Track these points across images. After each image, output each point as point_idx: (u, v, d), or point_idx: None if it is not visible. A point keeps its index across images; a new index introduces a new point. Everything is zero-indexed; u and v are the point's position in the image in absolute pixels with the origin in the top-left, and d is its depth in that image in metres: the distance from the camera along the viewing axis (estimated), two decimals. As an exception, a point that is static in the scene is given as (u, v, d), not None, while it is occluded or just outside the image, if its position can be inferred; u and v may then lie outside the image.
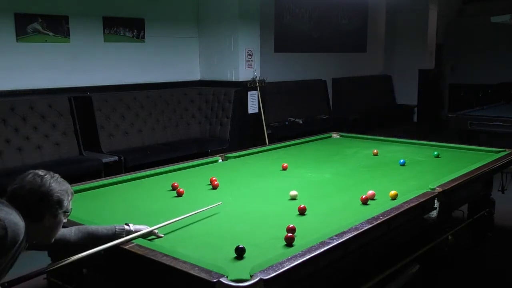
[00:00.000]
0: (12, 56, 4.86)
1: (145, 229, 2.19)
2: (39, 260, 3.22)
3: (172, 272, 1.83)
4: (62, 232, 2.07)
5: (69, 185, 1.96)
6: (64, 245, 2.10)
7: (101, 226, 2.18)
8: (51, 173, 1.93)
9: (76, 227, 2.16)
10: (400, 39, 9.94)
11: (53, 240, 1.96)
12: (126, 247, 2.04)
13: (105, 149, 5.29)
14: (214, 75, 6.55)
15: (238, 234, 2.28)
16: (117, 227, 2.14)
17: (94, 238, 2.11)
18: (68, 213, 1.95)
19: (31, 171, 1.91)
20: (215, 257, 1.95)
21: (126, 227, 2.16)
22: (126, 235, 2.12)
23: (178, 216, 2.40)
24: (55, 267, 1.97)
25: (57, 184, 1.89)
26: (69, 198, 1.93)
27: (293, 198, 2.84)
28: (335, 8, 8.76)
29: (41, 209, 1.85)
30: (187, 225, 2.41)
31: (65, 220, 1.95)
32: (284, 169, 3.59)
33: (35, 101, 4.95)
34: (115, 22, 5.71)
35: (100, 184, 3.10)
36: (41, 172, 1.89)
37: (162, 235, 2.25)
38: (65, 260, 1.96)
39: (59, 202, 1.87)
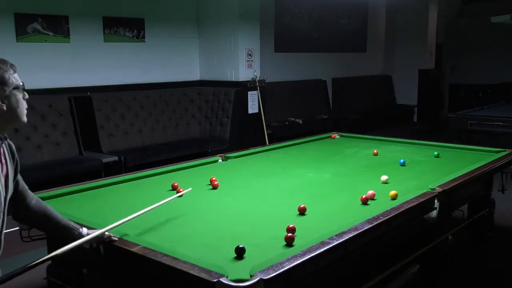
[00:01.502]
0: (12, 56, 4.80)
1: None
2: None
3: (172, 272, 1.83)
4: (27, 193, 2.02)
5: (2, 59, 1.78)
6: (22, 206, 2.01)
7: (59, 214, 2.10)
8: None
9: (39, 199, 2.09)
10: (400, 39, 9.95)
11: (25, 119, 1.82)
12: (126, 247, 2.04)
13: (105, 149, 5.30)
14: (214, 75, 6.55)
15: (238, 234, 2.28)
16: (72, 223, 2.08)
17: (48, 217, 2.05)
18: (21, 87, 1.79)
19: None
20: (215, 257, 1.95)
21: (80, 229, 2.07)
22: (78, 238, 2.01)
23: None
24: (31, 264, 1.82)
25: None
26: (10, 71, 1.76)
27: (385, 182, 3.11)
28: (335, 8, 8.76)
29: None
30: (187, 225, 2.42)
31: (26, 97, 1.83)
32: (332, 138, 4.09)
33: (35, 101, 4.96)
34: (115, 22, 5.71)
35: (100, 184, 3.10)
36: None
37: (116, 239, 2.11)
38: (40, 259, 1.83)
39: (0, 81, 1.72)
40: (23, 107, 1.81)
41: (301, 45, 8.20)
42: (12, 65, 1.78)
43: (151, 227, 2.36)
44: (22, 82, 1.80)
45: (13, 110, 1.76)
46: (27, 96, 1.83)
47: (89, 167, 4.81)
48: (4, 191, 1.77)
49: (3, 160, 1.80)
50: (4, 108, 1.73)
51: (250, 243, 2.07)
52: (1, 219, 1.77)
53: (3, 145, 1.81)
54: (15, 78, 1.77)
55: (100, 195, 2.95)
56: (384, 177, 3.16)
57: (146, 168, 3.54)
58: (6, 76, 1.73)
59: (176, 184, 3.01)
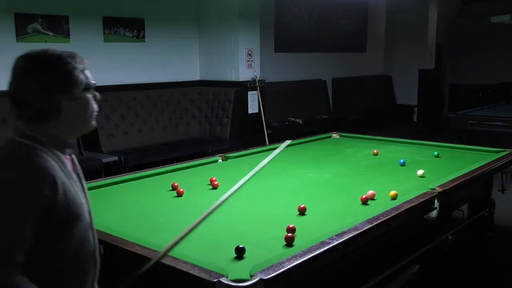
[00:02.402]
0: (12, 56, 4.80)
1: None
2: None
3: (172, 272, 1.83)
4: None
5: (69, 54, 1.45)
6: None
7: None
8: (31, 53, 1.43)
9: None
10: (400, 39, 9.94)
11: (94, 124, 1.51)
12: (126, 247, 2.04)
13: (105, 149, 5.29)
14: (214, 75, 6.55)
15: (238, 234, 2.28)
16: None
17: None
18: (92, 86, 1.48)
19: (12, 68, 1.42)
20: (215, 257, 1.95)
21: None
22: None
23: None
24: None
25: (45, 61, 1.40)
26: (79, 67, 1.45)
27: (422, 176, 3.24)
28: (335, 8, 8.76)
29: (46, 101, 1.38)
30: (187, 225, 2.41)
31: (98, 98, 1.51)
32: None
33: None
34: (115, 22, 5.71)
35: (100, 184, 3.09)
36: (20, 61, 1.42)
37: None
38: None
39: (67, 79, 1.40)
40: (92, 110, 1.49)
41: (301, 45, 8.20)
42: (82, 60, 1.48)
43: (151, 227, 2.36)
44: (94, 81, 1.51)
45: (81, 115, 1.46)
46: (98, 96, 1.52)
47: (89, 167, 4.80)
48: (87, 205, 1.54)
49: (78, 171, 1.55)
50: (71, 112, 1.42)
51: (250, 243, 2.07)
52: (91, 236, 1.53)
53: (73, 155, 1.54)
54: (85, 76, 1.47)
55: (100, 195, 2.95)
56: (420, 172, 3.28)
57: (146, 168, 3.54)
58: (75, 74, 1.42)
59: (176, 184, 3.01)
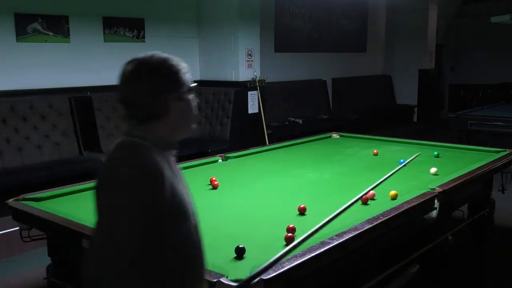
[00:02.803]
0: (12, 56, 4.87)
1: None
2: (39, 260, 3.22)
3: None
4: None
5: (172, 57, 1.48)
6: None
7: None
8: (138, 58, 1.47)
9: None
10: (400, 39, 9.95)
11: (195, 125, 1.55)
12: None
13: (105, 149, 5.29)
14: (214, 75, 6.55)
15: (238, 234, 2.28)
16: None
17: None
18: (193, 88, 1.51)
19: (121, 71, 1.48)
20: (215, 257, 1.95)
21: None
22: None
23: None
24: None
25: (152, 65, 1.44)
26: (183, 69, 1.47)
27: (435, 174, 3.27)
28: (335, 8, 8.77)
29: (155, 102, 1.42)
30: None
31: (197, 101, 1.54)
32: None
33: (35, 101, 4.96)
34: (115, 22, 5.71)
35: (100, 184, 3.08)
36: (128, 66, 1.47)
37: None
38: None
39: (173, 80, 1.43)
40: (193, 111, 1.52)
41: (301, 45, 8.20)
42: (184, 66, 1.50)
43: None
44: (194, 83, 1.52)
45: (186, 115, 1.49)
46: (197, 99, 1.55)
47: (89, 167, 4.81)
48: (192, 206, 1.50)
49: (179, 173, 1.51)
50: (177, 113, 1.45)
51: (250, 243, 2.07)
52: (197, 238, 1.50)
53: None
54: (188, 78, 1.49)
55: (100, 195, 2.94)
56: (433, 169, 3.31)
57: (146, 168, 3.53)
58: (180, 75, 1.46)
59: (176, 184, 3.00)
